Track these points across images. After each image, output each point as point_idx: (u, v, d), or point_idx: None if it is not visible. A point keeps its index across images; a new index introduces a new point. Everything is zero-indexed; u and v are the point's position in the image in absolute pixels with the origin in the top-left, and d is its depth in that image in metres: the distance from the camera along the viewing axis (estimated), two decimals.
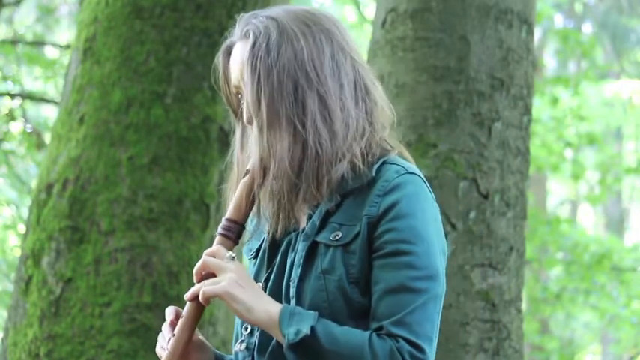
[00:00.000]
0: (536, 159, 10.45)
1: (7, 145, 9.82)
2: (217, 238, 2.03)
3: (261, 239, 2.09)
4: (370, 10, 11.59)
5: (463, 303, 3.52)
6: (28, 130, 9.54)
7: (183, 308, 2.05)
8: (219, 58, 2.10)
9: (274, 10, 2.05)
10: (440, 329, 1.96)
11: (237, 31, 2.06)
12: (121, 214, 4.13)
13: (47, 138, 9.18)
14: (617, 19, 15.73)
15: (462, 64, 3.64)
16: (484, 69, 3.65)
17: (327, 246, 1.96)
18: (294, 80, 1.98)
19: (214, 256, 1.98)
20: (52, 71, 10.25)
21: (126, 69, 4.31)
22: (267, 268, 2.05)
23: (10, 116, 9.53)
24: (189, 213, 4.21)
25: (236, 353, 2.06)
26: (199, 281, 1.98)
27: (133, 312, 4.04)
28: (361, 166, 1.97)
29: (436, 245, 1.95)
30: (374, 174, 1.97)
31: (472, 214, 3.56)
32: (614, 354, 16.67)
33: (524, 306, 6.24)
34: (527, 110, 3.76)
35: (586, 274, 11.22)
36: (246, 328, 2.03)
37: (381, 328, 1.90)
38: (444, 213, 3.55)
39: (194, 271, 1.99)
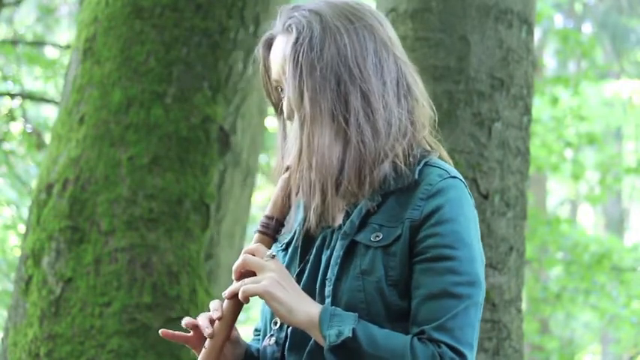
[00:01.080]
0: (536, 159, 10.45)
1: (7, 145, 9.81)
2: (256, 236, 2.02)
3: (292, 232, 2.07)
4: None
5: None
6: (28, 130, 9.53)
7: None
8: (259, 51, 2.09)
9: (317, 4, 2.04)
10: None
11: (278, 23, 2.05)
12: (121, 214, 4.13)
13: (47, 138, 9.17)
14: (617, 19, 15.73)
15: (462, 64, 3.64)
16: (484, 69, 3.65)
17: (367, 247, 1.94)
18: (337, 76, 1.97)
19: (254, 254, 1.96)
20: (52, 71, 10.24)
21: (126, 69, 4.31)
22: (300, 263, 2.03)
23: (10, 116, 9.53)
24: (189, 213, 4.21)
25: (264, 347, 2.04)
26: (238, 279, 1.97)
27: (133, 312, 4.03)
28: (403, 167, 1.96)
29: (477, 251, 1.95)
30: (417, 176, 1.96)
31: None
32: (614, 354, 16.67)
33: (524, 306, 6.24)
34: (527, 110, 3.76)
35: (586, 274, 11.21)
36: (276, 323, 2.02)
37: (422, 332, 1.89)
38: None
39: (233, 268, 1.98)
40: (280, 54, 2.02)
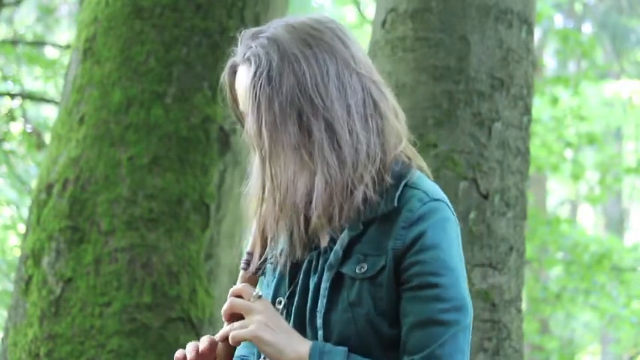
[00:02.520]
0: (536, 159, 10.45)
1: (7, 145, 9.81)
2: (241, 274, 2.02)
3: (278, 251, 2.04)
4: (370, 10, 11.59)
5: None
6: (28, 130, 9.54)
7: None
8: (224, 78, 2.04)
9: (275, 28, 1.98)
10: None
11: (239, 52, 2.00)
12: (121, 214, 4.14)
13: (47, 138, 9.17)
14: (617, 19, 15.73)
15: (462, 64, 3.64)
16: (484, 69, 3.65)
17: (353, 278, 1.93)
18: (298, 108, 1.92)
19: (241, 296, 1.96)
20: (52, 71, 10.25)
21: (126, 69, 4.32)
22: (290, 286, 2.01)
23: (10, 116, 9.53)
24: (189, 213, 4.21)
25: None
26: (229, 321, 1.97)
27: (133, 312, 4.03)
28: (373, 196, 1.92)
29: (462, 274, 1.94)
30: (396, 203, 1.93)
31: (472, 214, 3.56)
32: (614, 354, 16.67)
33: (524, 306, 6.23)
34: (527, 110, 3.76)
35: (586, 274, 11.21)
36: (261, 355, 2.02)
37: None
38: None
39: (222, 312, 1.97)
40: (243, 86, 1.98)
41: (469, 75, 3.64)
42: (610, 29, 15.75)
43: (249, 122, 1.95)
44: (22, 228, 10.24)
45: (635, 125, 15.20)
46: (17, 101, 9.90)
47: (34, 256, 4.18)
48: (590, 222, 21.68)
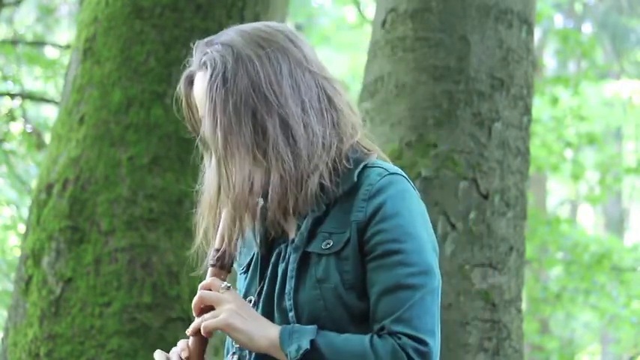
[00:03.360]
0: (536, 159, 10.45)
1: (7, 145, 9.81)
2: (210, 270, 2.07)
3: (252, 254, 2.10)
4: (370, 10, 11.58)
5: (463, 303, 3.51)
6: (28, 130, 9.54)
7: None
8: (180, 88, 2.10)
9: (229, 34, 2.04)
10: (440, 329, 1.96)
11: (195, 60, 2.06)
12: (121, 214, 4.14)
13: (47, 138, 9.17)
14: (617, 19, 15.73)
15: (462, 64, 3.64)
16: (484, 69, 3.65)
17: (319, 255, 1.96)
18: (252, 107, 1.97)
19: (210, 289, 2.02)
20: (52, 71, 10.24)
21: (126, 69, 4.32)
22: (260, 282, 2.05)
23: (10, 116, 9.53)
24: (189, 213, 4.21)
25: None
26: (199, 315, 2.01)
27: (133, 312, 4.03)
28: (335, 179, 1.97)
29: (426, 241, 1.96)
30: (355, 179, 1.98)
31: (472, 214, 3.56)
32: (614, 354, 16.67)
33: (524, 306, 6.23)
34: (527, 110, 3.76)
35: (586, 274, 11.21)
36: (234, 354, 2.04)
37: (382, 328, 1.91)
38: (444, 213, 3.55)
39: (192, 305, 2.02)
40: (201, 91, 2.03)
41: (469, 75, 3.64)
42: (610, 29, 15.75)
43: (205, 124, 2.01)
44: (22, 228, 10.24)
45: (635, 125, 15.20)
46: (17, 101, 9.90)
47: (34, 256, 4.18)
48: (590, 222, 21.68)
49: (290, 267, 1.98)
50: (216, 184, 2.02)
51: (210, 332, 1.97)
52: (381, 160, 2.04)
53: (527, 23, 3.78)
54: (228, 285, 2.00)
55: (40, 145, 9.23)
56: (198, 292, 2.02)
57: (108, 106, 4.28)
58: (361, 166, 2.00)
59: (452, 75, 3.63)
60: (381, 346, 1.89)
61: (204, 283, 2.03)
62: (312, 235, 1.98)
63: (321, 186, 1.97)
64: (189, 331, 2.00)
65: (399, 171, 2.01)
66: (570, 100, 11.32)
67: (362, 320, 1.94)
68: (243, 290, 2.09)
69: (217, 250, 2.06)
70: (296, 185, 1.96)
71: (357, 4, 12.08)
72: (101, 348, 3.99)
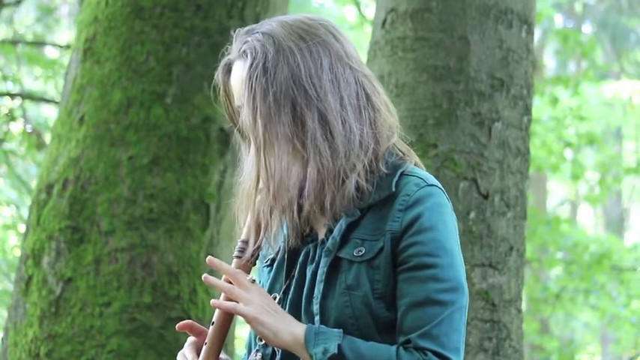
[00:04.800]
0: (536, 159, 10.45)
1: (7, 145, 9.81)
2: (234, 262, 2.04)
3: (277, 248, 2.08)
4: (370, 10, 11.59)
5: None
6: (28, 130, 9.53)
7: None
8: (218, 76, 2.09)
9: (270, 24, 2.03)
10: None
11: (234, 49, 2.05)
12: (121, 214, 4.14)
13: (47, 138, 9.17)
14: (617, 19, 15.74)
15: (462, 64, 3.64)
16: (484, 69, 3.65)
17: (351, 262, 1.95)
18: (292, 99, 1.96)
19: (235, 279, 1.98)
20: (52, 71, 10.25)
21: (126, 69, 4.32)
22: (286, 279, 2.04)
23: (10, 116, 9.53)
24: (189, 213, 4.22)
25: None
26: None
27: (133, 312, 4.04)
28: (371, 180, 1.96)
29: (458, 257, 1.97)
30: (394, 187, 1.97)
31: (472, 214, 3.56)
32: (614, 354, 16.67)
33: (524, 306, 6.23)
34: (527, 110, 3.75)
35: (586, 274, 11.21)
36: (261, 339, 2.03)
37: (408, 341, 1.90)
38: None
39: (223, 292, 1.99)
40: (239, 79, 2.02)
41: (469, 75, 3.64)
42: (610, 29, 15.75)
43: (245, 113, 1.99)
44: (22, 228, 10.24)
45: (635, 125, 15.21)
46: (17, 101, 9.90)
47: (34, 256, 4.18)
48: (590, 222, 21.69)
49: (320, 271, 1.97)
50: (255, 174, 1.99)
51: (233, 315, 1.97)
52: (416, 167, 2.03)
53: (527, 23, 3.78)
54: (253, 278, 1.99)
55: (40, 145, 9.22)
56: (225, 284, 1.98)
57: (108, 106, 4.28)
58: (398, 173, 1.99)
59: (452, 75, 3.63)
60: (407, 359, 1.89)
61: (231, 269, 2.00)
62: (344, 240, 1.97)
63: (357, 187, 1.96)
64: (216, 304, 1.97)
65: (436, 182, 2.00)
66: (570, 100, 11.32)
67: (388, 330, 1.94)
68: (267, 285, 2.08)
69: (243, 242, 2.05)
70: (334, 181, 1.95)
71: (357, 4, 12.08)
72: (101, 348, 3.99)
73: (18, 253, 7.60)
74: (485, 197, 3.58)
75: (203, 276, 2.01)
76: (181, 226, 4.19)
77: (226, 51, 2.08)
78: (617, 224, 18.83)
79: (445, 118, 3.60)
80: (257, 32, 2.02)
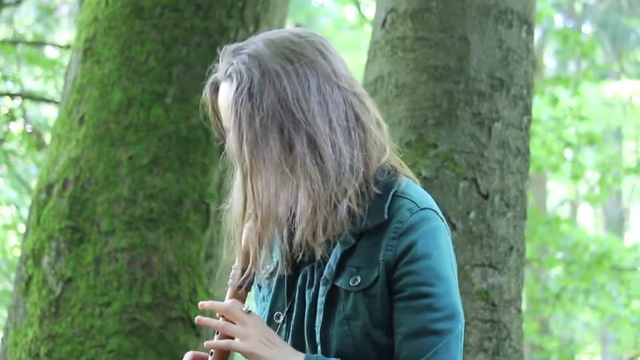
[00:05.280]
0: (536, 159, 10.45)
1: (7, 145, 9.81)
2: (229, 290, 2.02)
3: (275, 262, 2.05)
4: (370, 10, 11.58)
5: (463, 303, 3.50)
6: (28, 130, 9.53)
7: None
8: (206, 94, 2.04)
9: (256, 45, 1.98)
10: None
11: (220, 68, 2.01)
12: (121, 214, 4.14)
13: (47, 138, 9.17)
14: (617, 19, 15.74)
15: (462, 64, 3.64)
16: (484, 69, 3.65)
17: (347, 291, 1.94)
18: (279, 123, 1.92)
19: (231, 312, 1.97)
20: (52, 71, 10.25)
21: (126, 69, 4.32)
22: (287, 300, 2.02)
23: (10, 116, 9.52)
24: (189, 213, 4.21)
25: None
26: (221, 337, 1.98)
27: (133, 312, 4.03)
28: (363, 205, 1.93)
29: (453, 283, 1.95)
30: (386, 215, 1.93)
31: (472, 214, 3.56)
32: (614, 354, 16.67)
33: (524, 306, 6.23)
34: (527, 110, 3.75)
35: (586, 274, 11.21)
36: None
37: None
38: (444, 213, 3.54)
39: (215, 327, 1.99)
40: (225, 103, 1.99)
41: (469, 75, 3.64)
42: (610, 29, 15.75)
43: (231, 139, 1.97)
44: (22, 228, 10.24)
45: (635, 125, 15.21)
46: (17, 101, 9.90)
47: (34, 256, 4.18)
48: (590, 222, 21.68)
49: (319, 300, 1.96)
50: (242, 200, 1.98)
51: (232, 351, 1.95)
52: (410, 181, 2.00)
53: (527, 23, 3.78)
54: (249, 309, 1.96)
55: (40, 145, 9.22)
56: (220, 320, 1.97)
57: (108, 106, 4.28)
58: (390, 195, 1.95)
59: (452, 75, 3.63)
60: None
61: (224, 305, 1.99)
62: (340, 268, 1.95)
63: (349, 211, 1.93)
64: (210, 345, 1.97)
65: (430, 204, 1.97)
66: (570, 100, 11.31)
67: (389, 355, 1.93)
68: (268, 300, 2.05)
69: (237, 269, 2.03)
70: (325, 206, 1.92)
71: (357, 4, 12.07)
72: (101, 348, 3.99)
73: (18, 253, 7.60)
74: (485, 197, 3.58)
75: (196, 318, 2.00)
76: (181, 226, 4.19)
77: (213, 69, 2.04)
78: (617, 224, 18.83)
79: (445, 118, 3.60)
80: (242, 53, 1.97)
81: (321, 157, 1.92)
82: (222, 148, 2.12)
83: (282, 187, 1.93)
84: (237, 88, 1.94)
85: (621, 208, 19.24)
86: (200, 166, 4.27)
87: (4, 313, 10.08)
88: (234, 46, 2.01)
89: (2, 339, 4.29)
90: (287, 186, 1.94)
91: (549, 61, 16.93)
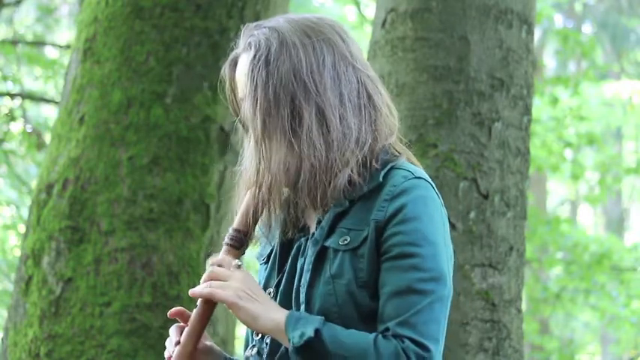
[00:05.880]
0: (536, 159, 10.45)
1: (7, 145, 9.81)
2: (224, 248, 2.06)
3: (273, 245, 2.11)
4: (370, 10, 11.58)
5: (463, 303, 3.51)
6: (28, 130, 9.53)
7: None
8: (225, 70, 2.11)
9: (277, 21, 2.06)
10: (444, 336, 1.97)
11: (241, 42, 2.08)
12: (121, 214, 4.14)
13: (47, 138, 9.17)
14: (617, 19, 15.74)
15: (462, 64, 3.64)
16: (484, 69, 3.65)
17: (336, 251, 1.97)
18: (291, 92, 1.99)
19: (221, 265, 2.01)
20: (52, 71, 10.25)
21: (126, 69, 4.32)
22: (278, 274, 2.06)
23: (10, 116, 9.53)
24: (189, 213, 4.21)
25: (247, 358, 2.08)
26: None
27: (133, 312, 4.04)
28: (357, 177, 1.98)
29: (442, 248, 1.96)
30: (381, 179, 1.99)
31: (472, 214, 3.56)
32: (614, 354, 16.67)
33: (524, 306, 6.23)
34: (527, 110, 3.75)
35: (586, 274, 11.22)
36: (257, 334, 2.04)
37: (387, 329, 1.91)
38: None
39: (202, 279, 2.02)
40: (243, 71, 2.05)
41: (469, 75, 3.64)
42: (610, 29, 15.75)
43: (246, 105, 2.02)
44: (22, 228, 10.24)
45: (635, 125, 15.21)
46: (17, 101, 9.90)
47: (34, 256, 4.18)
48: (590, 222, 21.69)
49: (307, 260, 2.00)
50: (255, 165, 2.01)
51: (215, 301, 1.98)
52: (410, 163, 2.05)
53: (527, 23, 3.78)
54: (240, 263, 2.01)
55: (40, 145, 9.23)
56: (209, 268, 2.01)
57: (108, 106, 4.28)
58: (388, 166, 2.01)
59: (452, 75, 3.63)
60: (384, 347, 1.89)
61: (215, 259, 2.03)
62: (332, 229, 1.99)
63: (350, 181, 1.98)
64: (195, 292, 2.00)
65: (425, 176, 2.02)
66: (570, 100, 11.32)
67: (371, 319, 1.94)
68: (262, 281, 2.10)
69: (235, 230, 2.07)
70: (325, 174, 1.97)
71: (357, 4, 12.08)
72: (101, 348, 3.99)
73: (18, 253, 7.60)
74: (486, 197, 3.58)
75: (189, 291, 2.02)
76: (181, 226, 4.19)
77: (235, 45, 2.10)
78: (617, 224, 18.83)
79: (445, 118, 3.60)
80: (264, 27, 2.05)
81: (327, 127, 1.98)
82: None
83: (290, 153, 1.98)
84: (255, 56, 2.01)
85: (621, 208, 19.25)
86: (200, 166, 4.27)
87: (4, 313, 10.08)
88: (255, 23, 2.09)
89: (2, 339, 4.29)
90: (294, 153, 1.98)
91: (549, 61, 16.94)
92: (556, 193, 19.68)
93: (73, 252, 4.12)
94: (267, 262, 2.12)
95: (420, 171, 2.03)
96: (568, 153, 12.42)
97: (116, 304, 4.04)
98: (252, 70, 2.01)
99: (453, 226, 3.53)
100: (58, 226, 4.16)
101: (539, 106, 10.71)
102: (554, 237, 11.15)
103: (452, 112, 3.61)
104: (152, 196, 4.17)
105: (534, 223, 10.77)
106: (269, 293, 2.04)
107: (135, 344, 4.00)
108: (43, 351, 4.03)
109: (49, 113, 12.13)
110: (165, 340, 2.16)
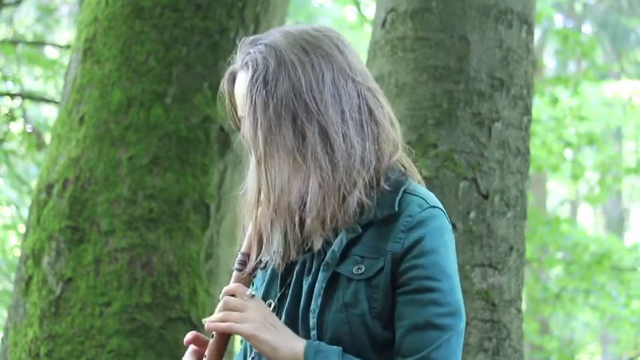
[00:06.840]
0: (536, 159, 10.45)
1: (7, 145, 9.81)
2: (234, 274, 2.05)
3: (272, 252, 2.06)
4: (370, 10, 11.58)
5: (463, 303, 3.51)
6: (28, 130, 9.53)
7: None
8: (224, 85, 2.08)
9: (274, 36, 2.02)
10: None
11: (238, 59, 2.05)
12: (121, 214, 4.14)
13: (47, 138, 9.17)
14: (617, 19, 15.74)
15: (462, 64, 3.64)
16: (484, 69, 3.65)
17: (349, 279, 1.95)
18: (292, 112, 1.96)
19: (234, 295, 1.99)
20: (52, 71, 10.25)
21: (126, 69, 4.32)
22: (281, 287, 2.04)
23: (10, 116, 9.53)
24: (189, 213, 4.21)
25: None
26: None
27: (133, 312, 4.04)
28: (367, 201, 1.95)
29: (456, 280, 1.97)
30: (397, 207, 1.96)
31: (472, 214, 3.56)
32: (614, 354, 16.68)
33: (524, 306, 6.23)
34: (527, 110, 3.75)
35: (586, 274, 11.22)
36: (253, 359, 2.04)
37: None
38: None
39: (216, 310, 1.99)
40: (241, 91, 2.02)
41: (469, 75, 3.64)
42: (610, 29, 15.76)
43: (246, 125, 1.99)
44: (22, 228, 10.24)
45: (635, 125, 15.21)
46: (17, 101, 9.90)
47: (34, 256, 4.18)
48: (590, 222, 21.69)
49: (318, 285, 1.97)
50: (257, 186, 1.99)
51: (232, 334, 1.97)
52: (418, 184, 2.03)
53: (527, 23, 3.78)
54: (253, 293, 1.98)
55: (40, 145, 9.23)
56: (222, 298, 1.99)
57: (108, 106, 4.28)
58: (401, 191, 1.98)
59: (452, 75, 3.63)
60: None
61: (227, 288, 2.01)
62: (344, 255, 1.97)
63: (359, 202, 1.96)
64: (211, 326, 1.98)
65: (438, 203, 2.01)
66: (570, 100, 11.32)
67: (383, 349, 1.94)
68: (261, 290, 2.07)
69: (243, 254, 2.06)
70: (334, 196, 1.95)
71: (357, 4, 12.08)
72: (101, 348, 3.99)
73: (18, 253, 7.60)
74: (486, 197, 3.58)
75: (206, 325, 2.00)
76: (181, 226, 4.19)
77: (231, 60, 2.08)
78: (617, 224, 18.84)
79: (445, 118, 3.60)
80: (260, 43, 2.02)
81: (331, 147, 1.95)
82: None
83: (294, 174, 1.96)
84: (252, 76, 1.98)
85: (621, 208, 19.25)
86: (200, 166, 4.27)
87: (4, 313, 10.08)
88: (252, 37, 2.06)
89: (2, 339, 4.29)
90: (299, 174, 1.96)
91: (549, 61, 16.94)
92: (556, 193, 19.68)
93: (73, 252, 4.12)
94: (264, 268, 2.09)
95: (433, 197, 2.01)
96: (568, 153, 12.42)
97: (116, 304, 4.04)
98: (251, 91, 1.97)
99: (453, 226, 3.52)
100: (58, 226, 4.16)
101: (539, 106, 10.71)
102: (554, 237, 11.15)
103: (452, 112, 3.61)
104: (152, 196, 4.17)
105: (534, 223, 10.77)
106: (269, 305, 2.02)
107: (135, 344, 4.00)
108: (43, 351, 4.03)
109: (49, 113, 12.13)
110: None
